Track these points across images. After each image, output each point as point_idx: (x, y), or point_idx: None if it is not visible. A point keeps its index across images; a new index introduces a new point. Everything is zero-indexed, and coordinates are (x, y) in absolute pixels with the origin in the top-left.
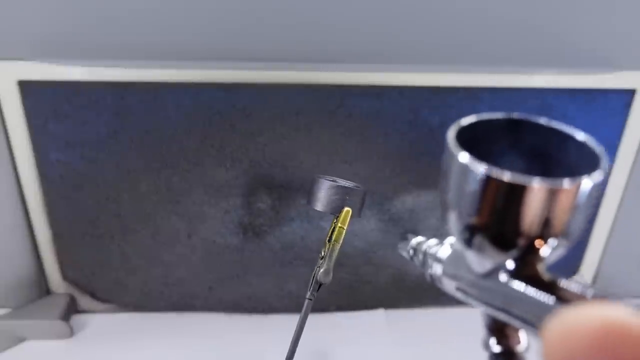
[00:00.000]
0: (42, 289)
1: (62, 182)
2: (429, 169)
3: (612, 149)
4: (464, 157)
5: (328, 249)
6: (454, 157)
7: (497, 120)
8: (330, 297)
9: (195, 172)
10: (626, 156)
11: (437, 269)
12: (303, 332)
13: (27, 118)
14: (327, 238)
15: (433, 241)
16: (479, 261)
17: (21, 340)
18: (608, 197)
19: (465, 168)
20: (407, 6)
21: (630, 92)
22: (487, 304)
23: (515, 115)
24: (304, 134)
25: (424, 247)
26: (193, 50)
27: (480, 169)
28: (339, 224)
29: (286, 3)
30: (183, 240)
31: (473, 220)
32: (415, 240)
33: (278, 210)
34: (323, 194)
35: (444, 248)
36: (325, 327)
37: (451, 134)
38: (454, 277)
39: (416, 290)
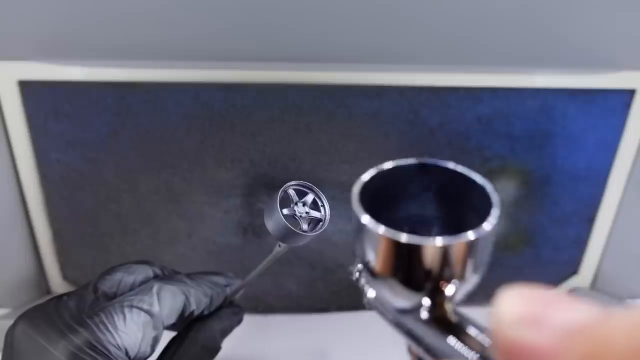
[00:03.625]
0: (42, 289)
1: (62, 182)
2: None
3: (612, 149)
4: (364, 218)
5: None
6: (355, 216)
7: (405, 166)
8: (330, 297)
9: (195, 172)
10: (626, 156)
11: (371, 294)
12: (303, 332)
13: (27, 118)
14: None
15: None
16: (396, 299)
17: None
18: (608, 197)
19: (364, 227)
20: (407, 6)
21: (630, 92)
22: (405, 336)
23: (416, 160)
24: (304, 134)
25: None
26: (193, 50)
27: (378, 230)
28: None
29: (286, 3)
30: (183, 240)
31: (378, 270)
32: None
33: None
34: (273, 219)
35: None
36: (325, 327)
37: (355, 190)
38: (381, 307)
39: None
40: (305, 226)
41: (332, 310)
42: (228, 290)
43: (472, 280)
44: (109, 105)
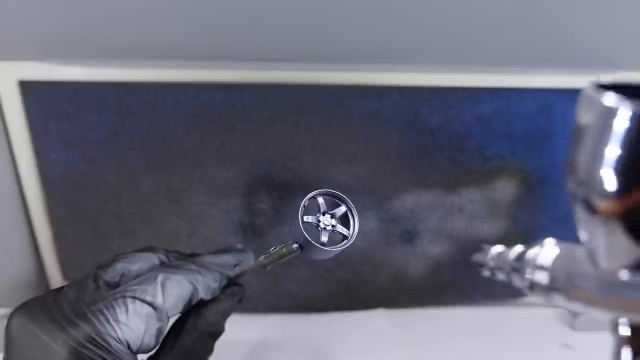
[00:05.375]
0: (42, 289)
1: (62, 182)
2: (429, 169)
3: None
4: (612, 99)
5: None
6: (596, 101)
7: (631, 87)
8: (330, 297)
9: (195, 172)
10: None
11: (541, 278)
12: (302, 332)
13: (28, 118)
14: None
15: (520, 247)
16: (612, 254)
17: None
18: None
19: (611, 110)
20: (407, 6)
21: None
22: (617, 310)
23: None
24: (304, 134)
25: (511, 255)
26: (193, 50)
27: (632, 105)
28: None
29: (286, 3)
30: (183, 240)
31: (614, 180)
32: (495, 249)
33: (278, 210)
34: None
35: (545, 251)
36: (325, 327)
37: (590, 85)
38: (569, 283)
39: (416, 290)
40: (324, 239)
41: (332, 310)
42: (237, 269)
43: None
44: (109, 105)
